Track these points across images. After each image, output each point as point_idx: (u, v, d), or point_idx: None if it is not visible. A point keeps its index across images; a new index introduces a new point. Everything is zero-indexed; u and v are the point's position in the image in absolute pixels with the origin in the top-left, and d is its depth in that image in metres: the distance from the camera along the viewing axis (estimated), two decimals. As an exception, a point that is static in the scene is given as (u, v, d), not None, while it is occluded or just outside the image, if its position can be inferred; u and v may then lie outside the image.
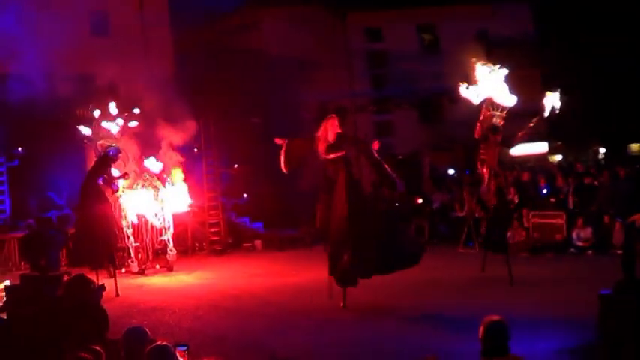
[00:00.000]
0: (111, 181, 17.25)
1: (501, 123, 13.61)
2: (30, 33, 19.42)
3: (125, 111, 18.51)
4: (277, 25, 30.13)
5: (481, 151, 14.63)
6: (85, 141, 18.46)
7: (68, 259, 17.19)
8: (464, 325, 10.08)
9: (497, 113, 13.27)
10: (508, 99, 13.08)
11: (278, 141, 13.49)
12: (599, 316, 9.44)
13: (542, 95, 13.97)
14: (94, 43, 24.93)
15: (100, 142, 17.86)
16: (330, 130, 13.15)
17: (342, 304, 12.92)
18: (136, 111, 18.65)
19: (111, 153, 17.07)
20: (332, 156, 13.10)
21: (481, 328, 5.78)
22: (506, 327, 5.78)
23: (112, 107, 18.28)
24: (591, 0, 33.48)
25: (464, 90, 13.36)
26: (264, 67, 29.50)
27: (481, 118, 13.86)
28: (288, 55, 28.86)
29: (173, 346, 5.75)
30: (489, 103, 13.35)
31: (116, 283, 15.71)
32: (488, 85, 13.02)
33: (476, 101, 13.20)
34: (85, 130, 18.13)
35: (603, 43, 33.33)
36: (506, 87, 13.10)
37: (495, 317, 5.84)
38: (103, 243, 16.08)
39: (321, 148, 13.15)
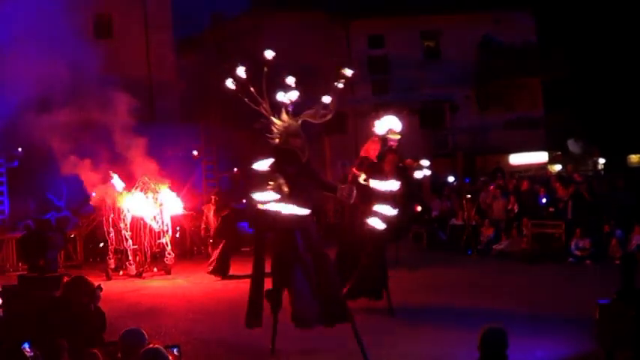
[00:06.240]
0: None
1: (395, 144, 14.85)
2: (31, 34, 19.38)
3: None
4: (280, 30, 30.12)
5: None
6: None
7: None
8: (461, 332, 10.05)
9: (392, 137, 14.36)
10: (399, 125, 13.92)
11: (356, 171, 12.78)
12: (597, 326, 9.43)
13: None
14: (97, 46, 24.92)
15: None
16: (371, 151, 13.14)
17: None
18: None
19: None
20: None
21: (479, 337, 5.75)
22: (504, 335, 5.75)
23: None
24: (594, 10, 33.50)
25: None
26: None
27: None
28: (289, 60, 28.85)
29: (164, 347, 5.74)
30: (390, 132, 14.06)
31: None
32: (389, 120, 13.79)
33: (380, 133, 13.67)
34: None
35: (605, 53, 33.39)
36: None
37: (494, 325, 5.81)
38: None
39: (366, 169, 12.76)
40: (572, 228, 19.02)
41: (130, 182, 18.63)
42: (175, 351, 6.18)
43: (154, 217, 18.61)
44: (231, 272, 17.98)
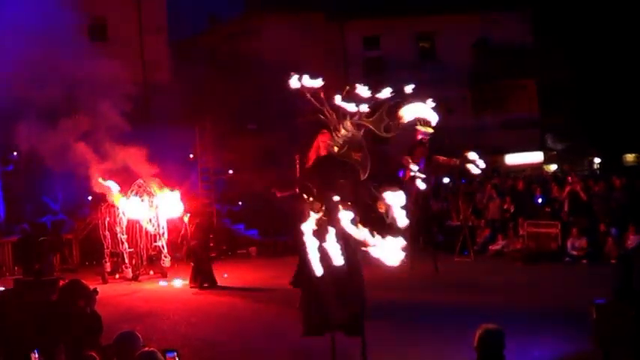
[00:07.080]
0: None
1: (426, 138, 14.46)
2: (26, 35, 19.34)
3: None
4: (277, 31, 30.11)
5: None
6: None
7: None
8: (458, 333, 10.03)
9: (422, 129, 13.34)
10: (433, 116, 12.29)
11: None
12: (594, 325, 9.43)
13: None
14: (92, 49, 24.87)
15: None
16: (321, 145, 10.83)
17: None
18: None
19: None
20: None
21: (476, 337, 5.74)
22: (501, 336, 5.74)
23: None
24: (590, 10, 33.53)
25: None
26: (261, 73, 29.50)
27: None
28: (285, 61, 28.86)
29: (162, 352, 5.73)
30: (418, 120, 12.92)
31: None
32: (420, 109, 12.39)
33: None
34: None
35: (600, 53, 33.41)
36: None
37: (491, 326, 5.80)
38: None
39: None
40: (569, 228, 19.04)
41: (126, 185, 18.60)
42: (173, 356, 6.14)
43: (150, 220, 18.58)
44: (228, 275, 17.94)
